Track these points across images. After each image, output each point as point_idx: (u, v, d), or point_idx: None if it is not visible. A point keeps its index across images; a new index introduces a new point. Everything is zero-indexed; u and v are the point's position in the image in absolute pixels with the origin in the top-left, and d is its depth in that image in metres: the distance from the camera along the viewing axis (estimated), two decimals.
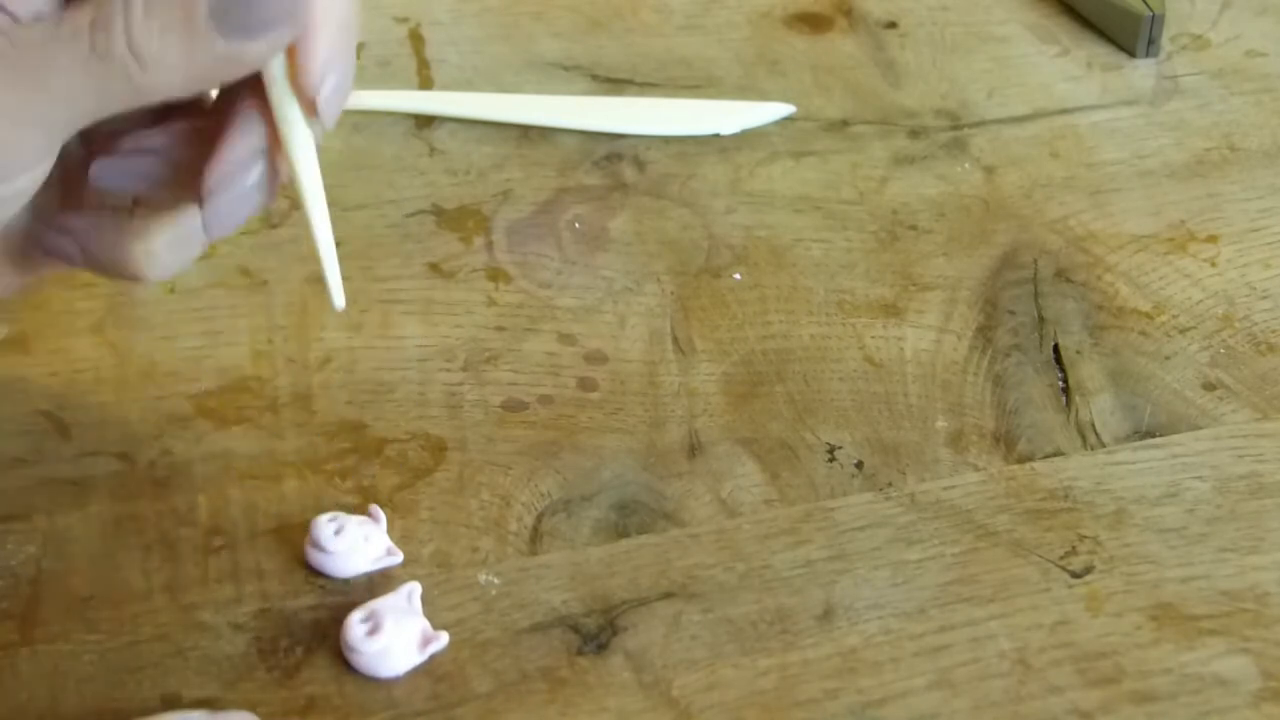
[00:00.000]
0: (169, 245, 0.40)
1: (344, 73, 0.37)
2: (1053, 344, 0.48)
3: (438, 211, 0.52)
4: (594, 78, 0.59)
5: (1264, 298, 0.50)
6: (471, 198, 0.53)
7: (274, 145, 0.38)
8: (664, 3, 0.63)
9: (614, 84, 0.59)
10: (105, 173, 0.40)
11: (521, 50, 0.60)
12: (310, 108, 0.37)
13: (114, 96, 0.36)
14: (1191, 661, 0.39)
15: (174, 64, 0.35)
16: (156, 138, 0.40)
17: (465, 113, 0.56)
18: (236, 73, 0.36)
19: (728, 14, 0.63)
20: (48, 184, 0.38)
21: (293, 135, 0.37)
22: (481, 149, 0.55)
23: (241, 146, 0.38)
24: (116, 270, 0.40)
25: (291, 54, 0.37)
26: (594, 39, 0.61)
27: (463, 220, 0.52)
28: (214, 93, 0.41)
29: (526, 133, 0.56)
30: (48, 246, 0.40)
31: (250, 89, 0.38)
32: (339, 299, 0.39)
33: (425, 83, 0.59)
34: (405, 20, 0.62)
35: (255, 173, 0.38)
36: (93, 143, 0.41)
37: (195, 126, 0.40)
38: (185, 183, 0.39)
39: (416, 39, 0.61)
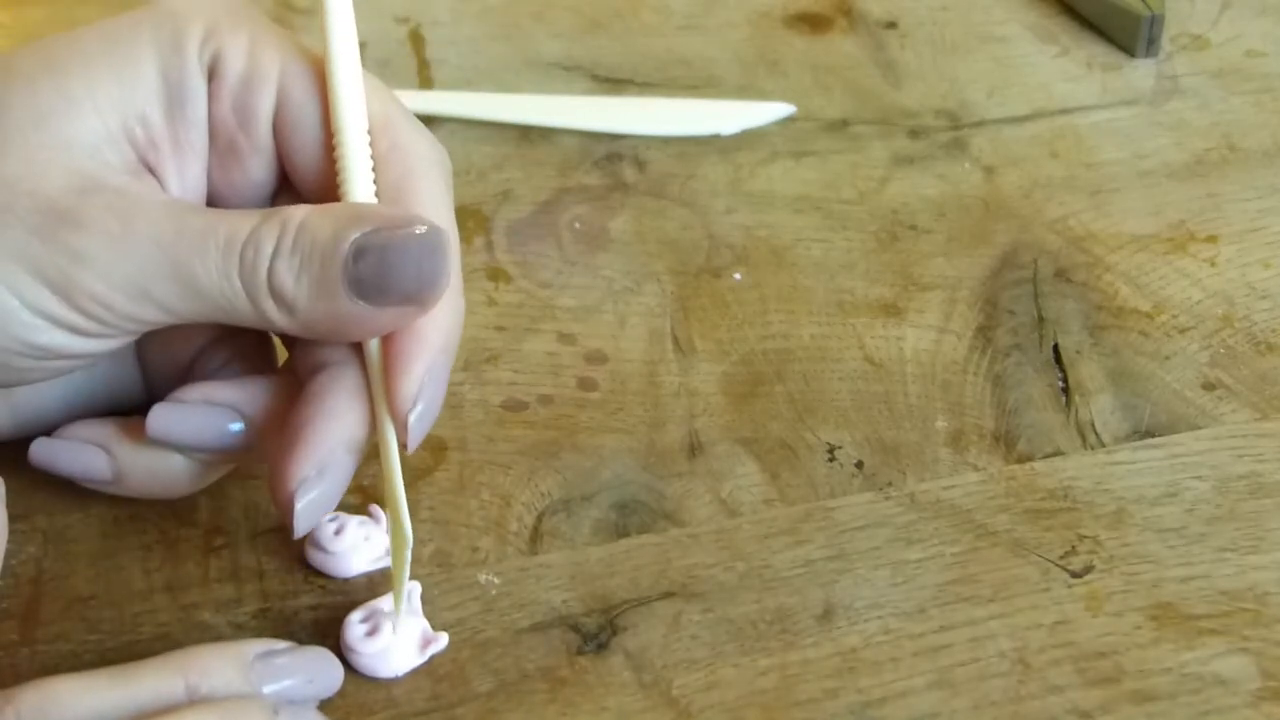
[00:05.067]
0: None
1: (435, 398, 0.37)
2: (1053, 344, 0.48)
3: None
4: (594, 78, 0.59)
5: (1264, 298, 0.50)
6: (471, 198, 0.53)
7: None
8: (664, 3, 0.63)
9: (614, 84, 0.59)
10: (163, 423, 0.38)
11: (521, 50, 0.60)
12: (400, 428, 0.36)
13: (237, 312, 0.36)
14: (1191, 661, 0.39)
15: (302, 306, 0.36)
16: (226, 392, 0.39)
17: (465, 113, 0.56)
18: (355, 335, 0.37)
19: (728, 14, 0.63)
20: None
21: (385, 430, 0.37)
22: (481, 149, 0.55)
23: (337, 433, 0.36)
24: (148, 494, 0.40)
25: (388, 367, 0.36)
26: (594, 39, 0.61)
27: (463, 220, 0.52)
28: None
29: (526, 133, 0.56)
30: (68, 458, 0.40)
31: (336, 366, 0.37)
32: (401, 607, 0.38)
33: (425, 83, 0.59)
34: (405, 20, 0.62)
35: (346, 467, 0.37)
36: (154, 381, 0.41)
37: (270, 388, 0.39)
38: (255, 451, 0.38)
39: (416, 39, 0.61)
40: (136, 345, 0.41)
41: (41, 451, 0.40)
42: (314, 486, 0.36)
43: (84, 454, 0.40)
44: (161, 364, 0.41)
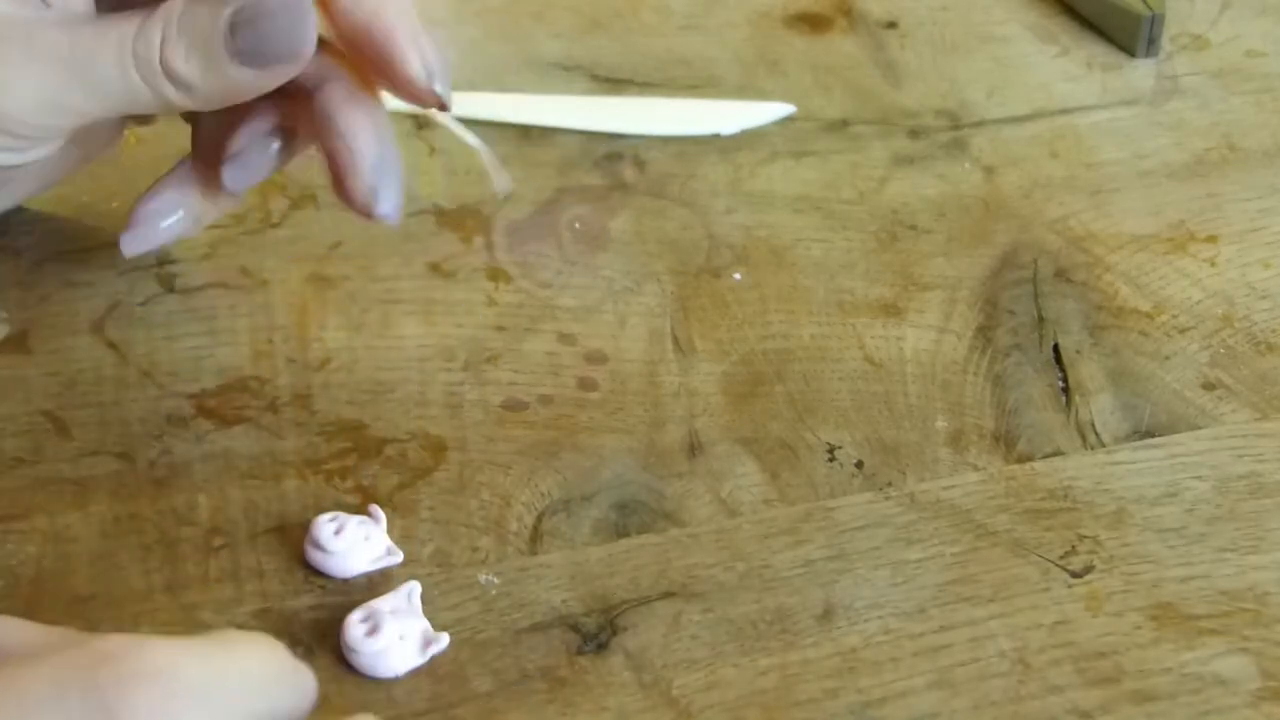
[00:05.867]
0: None
1: (436, 52, 0.42)
2: (1053, 344, 0.48)
3: (438, 211, 0.52)
4: (594, 78, 0.59)
5: (1264, 298, 0.50)
6: (471, 198, 0.53)
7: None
8: (664, 3, 0.63)
9: (614, 84, 0.59)
10: (235, 176, 0.44)
11: (521, 50, 0.60)
12: (431, 97, 0.42)
13: (140, 101, 0.41)
14: (1191, 661, 0.39)
15: (195, 83, 0.40)
16: (262, 126, 0.45)
17: (465, 113, 0.56)
18: (247, 96, 0.41)
19: (728, 14, 0.63)
20: None
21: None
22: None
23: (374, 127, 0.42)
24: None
25: (381, 59, 0.42)
26: (594, 39, 0.61)
27: (463, 220, 0.52)
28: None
29: (526, 133, 0.56)
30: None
31: (327, 84, 0.42)
32: (501, 182, 0.45)
33: None
34: None
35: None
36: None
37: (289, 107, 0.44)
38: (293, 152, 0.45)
39: None
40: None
41: (134, 246, 0.46)
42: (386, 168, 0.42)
43: (173, 230, 0.46)
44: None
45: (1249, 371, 0.47)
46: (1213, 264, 0.51)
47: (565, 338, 0.47)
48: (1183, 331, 0.49)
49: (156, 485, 0.42)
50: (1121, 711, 0.38)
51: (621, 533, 0.42)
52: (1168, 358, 0.48)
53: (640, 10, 0.63)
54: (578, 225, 0.52)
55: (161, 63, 0.40)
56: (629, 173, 0.54)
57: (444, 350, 0.47)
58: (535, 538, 0.41)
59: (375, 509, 0.41)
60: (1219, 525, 0.42)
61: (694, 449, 0.44)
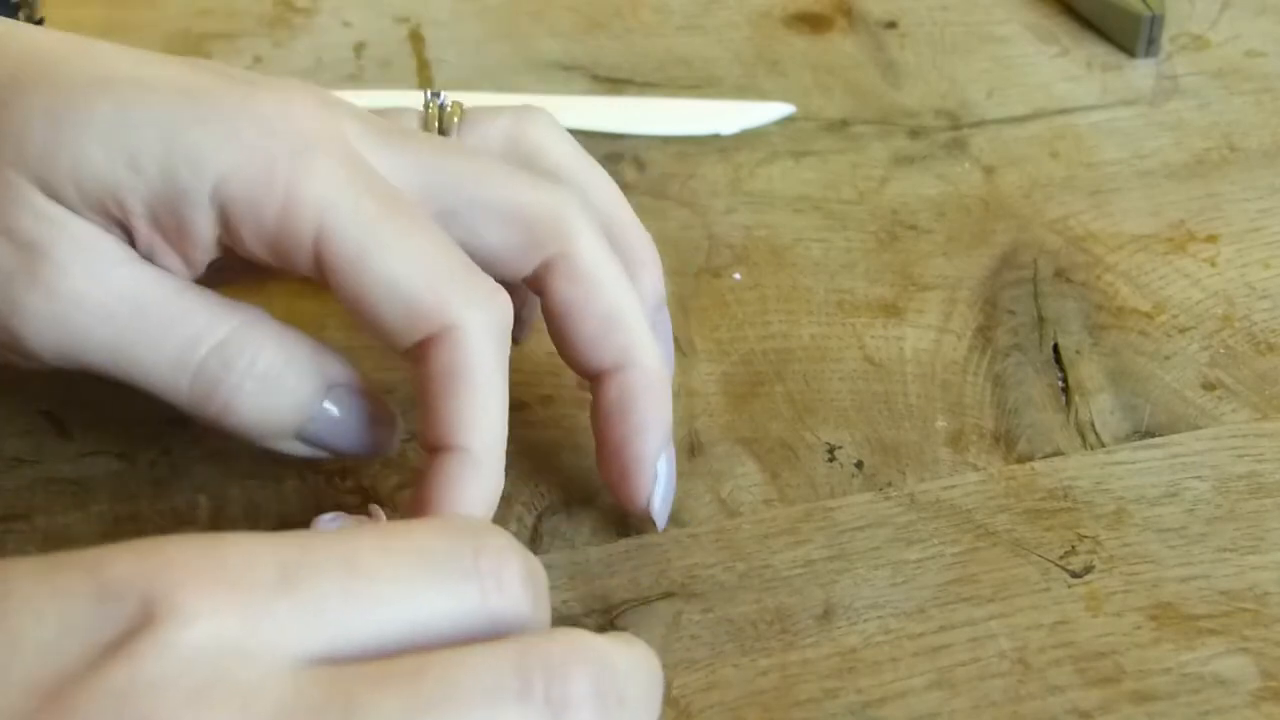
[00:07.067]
0: None
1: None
2: (1052, 344, 0.48)
3: None
4: (594, 78, 0.59)
5: (1264, 298, 0.50)
6: None
7: None
8: (664, 3, 0.63)
9: (614, 84, 0.59)
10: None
11: (521, 50, 0.60)
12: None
13: (161, 394, 0.37)
14: (1191, 661, 0.39)
15: (243, 426, 0.37)
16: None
17: None
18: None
19: (728, 14, 0.63)
20: None
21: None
22: None
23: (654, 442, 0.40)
24: None
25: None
26: (594, 39, 0.61)
27: None
28: None
29: None
30: None
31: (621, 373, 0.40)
32: None
33: (425, 83, 0.59)
34: (405, 20, 0.62)
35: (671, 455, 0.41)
36: None
37: None
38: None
39: (416, 39, 0.61)
40: None
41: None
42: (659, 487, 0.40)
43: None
44: None
45: (1249, 371, 0.47)
46: (1213, 264, 0.51)
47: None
48: (1183, 331, 0.49)
49: (156, 485, 0.42)
50: (1121, 711, 0.38)
51: (621, 533, 0.42)
52: (1168, 358, 0.48)
53: (640, 10, 0.63)
54: None
55: (222, 395, 0.36)
56: (629, 173, 0.54)
57: None
58: (535, 538, 0.41)
59: (375, 509, 0.41)
60: (1219, 525, 0.42)
61: (694, 449, 0.44)
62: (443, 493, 0.36)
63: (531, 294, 0.40)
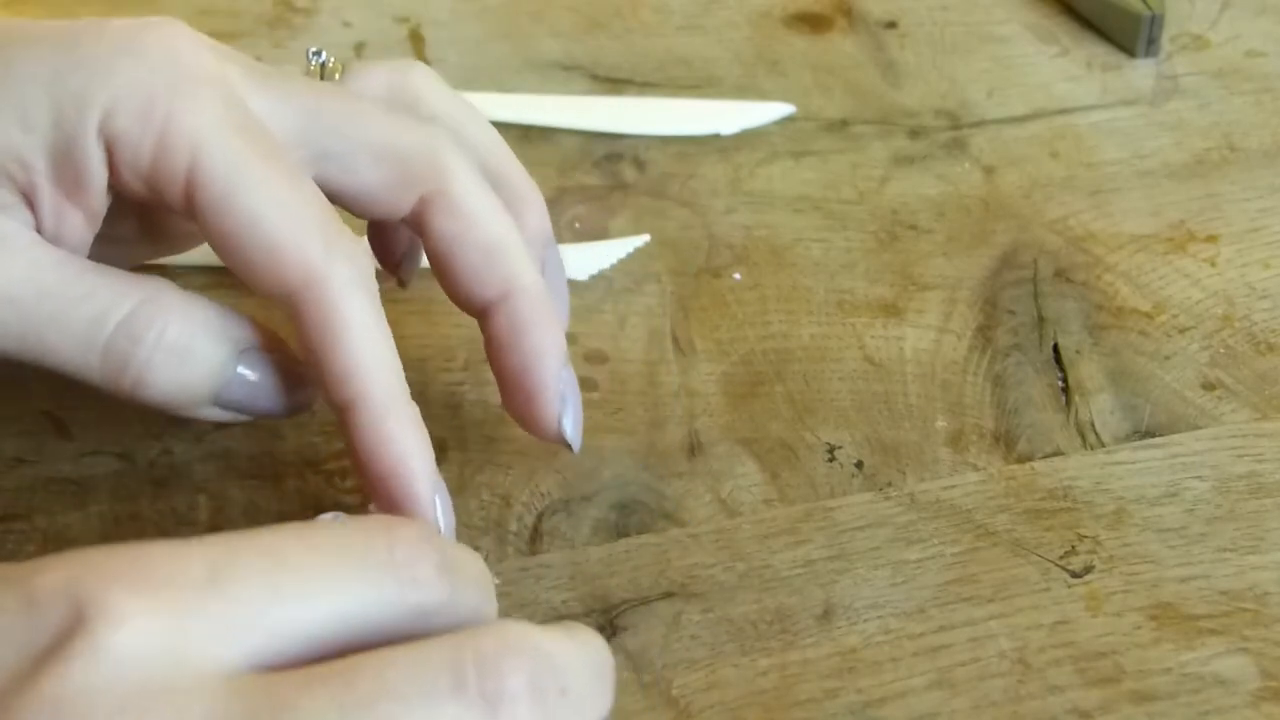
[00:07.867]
0: None
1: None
2: (1052, 344, 0.48)
3: None
4: (594, 78, 0.59)
5: (1264, 298, 0.50)
6: None
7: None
8: (664, 3, 0.63)
9: (614, 84, 0.59)
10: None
11: (521, 50, 0.60)
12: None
13: (74, 371, 0.37)
14: (1191, 661, 0.39)
15: (158, 397, 0.37)
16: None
17: None
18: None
19: (728, 14, 0.63)
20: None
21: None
22: None
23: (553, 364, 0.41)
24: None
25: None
26: (594, 39, 0.61)
27: None
28: None
29: (526, 132, 0.56)
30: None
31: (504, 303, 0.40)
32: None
33: None
34: (405, 20, 0.62)
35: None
36: None
37: None
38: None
39: (416, 39, 0.61)
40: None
41: None
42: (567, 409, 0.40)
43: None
44: None
45: (1249, 371, 0.47)
46: (1213, 264, 0.51)
47: (565, 337, 0.47)
48: (1183, 331, 0.49)
49: (156, 485, 0.42)
50: (1121, 711, 0.38)
51: (621, 533, 0.42)
52: (1168, 358, 0.48)
53: (640, 10, 0.63)
54: (578, 225, 0.52)
55: (133, 370, 0.36)
56: (629, 173, 0.54)
57: (444, 350, 0.47)
58: (535, 538, 0.41)
59: (375, 508, 0.41)
60: (1219, 525, 0.42)
61: (694, 449, 0.44)
62: (370, 447, 0.36)
63: (415, 235, 0.41)
